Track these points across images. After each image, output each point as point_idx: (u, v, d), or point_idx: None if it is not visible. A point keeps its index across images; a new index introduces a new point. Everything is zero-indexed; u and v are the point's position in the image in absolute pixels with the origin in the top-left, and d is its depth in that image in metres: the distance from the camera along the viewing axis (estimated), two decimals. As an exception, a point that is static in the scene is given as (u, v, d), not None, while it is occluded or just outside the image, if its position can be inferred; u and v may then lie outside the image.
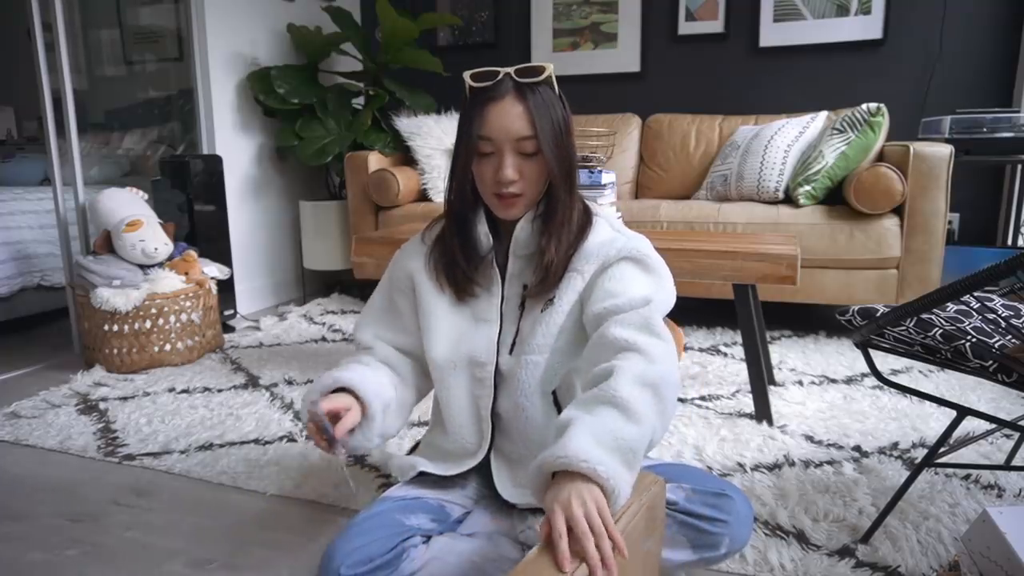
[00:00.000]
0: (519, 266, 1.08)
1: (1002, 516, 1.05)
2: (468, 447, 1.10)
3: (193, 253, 2.43)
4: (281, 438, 1.70)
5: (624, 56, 3.39)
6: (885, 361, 2.21)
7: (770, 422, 1.74)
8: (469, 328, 1.08)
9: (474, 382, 1.08)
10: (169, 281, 2.27)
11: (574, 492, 0.76)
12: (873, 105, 2.46)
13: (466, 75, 1.01)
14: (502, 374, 1.07)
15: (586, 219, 1.08)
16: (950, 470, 1.47)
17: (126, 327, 2.20)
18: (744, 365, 2.17)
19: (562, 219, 1.04)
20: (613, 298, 0.99)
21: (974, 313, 1.24)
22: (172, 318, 2.27)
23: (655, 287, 1.02)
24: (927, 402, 1.86)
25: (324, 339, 2.59)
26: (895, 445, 1.61)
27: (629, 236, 1.07)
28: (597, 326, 0.98)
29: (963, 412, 1.17)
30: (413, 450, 1.22)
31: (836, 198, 2.54)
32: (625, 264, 1.03)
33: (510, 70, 0.99)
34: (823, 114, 2.77)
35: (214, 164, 2.71)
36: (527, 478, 0.84)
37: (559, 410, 1.09)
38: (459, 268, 1.07)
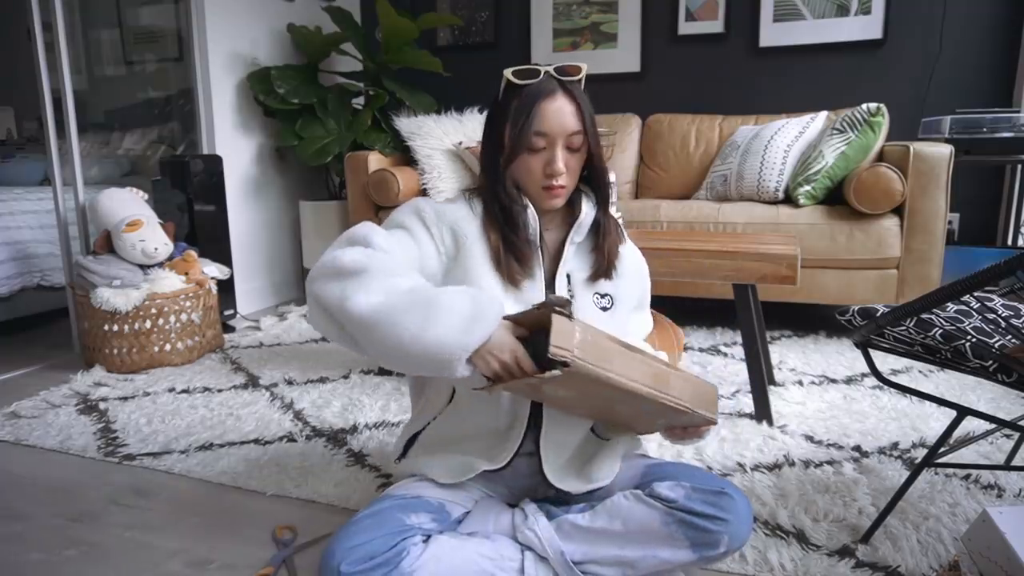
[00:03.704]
0: (571, 252, 1.12)
1: (1002, 516, 1.05)
2: (496, 428, 1.07)
3: (193, 253, 2.43)
4: (281, 438, 1.70)
5: (624, 56, 3.39)
6: (885, 361, 2.21)
7: (770, 422, 1.74)
8: (516, 309, 1.06)
9: None
10: (169, 281, 2.27)
11: None
12: (873, 105, 2.46)
13: (508, 72, 1.05)
14: None
15: (613, 218, 1.18)
16: (950, 470, 1.47)
17: (126, 327, 2.20)
18: (744, 365, 2.16)
19: (607, 207, 1.14)
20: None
21: (974, 313, 1.24)
22: (172, 318, 2.27)
23: None
24: (927, 402, 1.86)
25: (324, 339, 2.59)
26: (895, 445, 1.61)
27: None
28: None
29: (963, 412, 1.17)
30: (410, 443, 1.18)
31: (836, 198, 2.54)
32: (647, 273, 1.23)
33: (549, 68, 1.04)
34: (823, 114, 2.77)
35: (214, 164, 2.71)
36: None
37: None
38: (518, 253, 1.08)
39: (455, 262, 1.08)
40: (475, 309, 0.90)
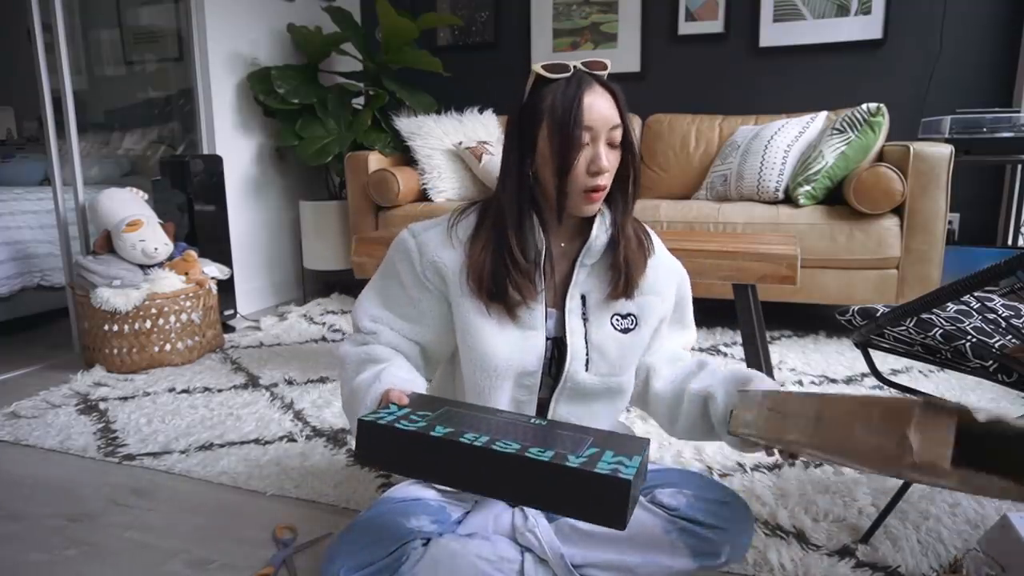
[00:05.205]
0: (583, 275, 1.05)
1: (1023, 520, 1.05)
2: None
3: (193, 253, 2.43)
4: (281, 438, 1.70)
5: (624, 56, 3.39)
6: (885, 361, 2.21)
7: (770, 422, 1.74)
8: (518, 339, 1.02)
9: (520, 388, 1.05)
10: (169, 281, 2.27)
11: None
12: (873, 105, 2.46)
13: (538, 67, 0.98)
14: (581, 391, 1.05)
15: (642, 228, 1.11)
16: (950, 470, 1.47)
17: (126, 327, 2.20)
18: (744, 365, 2.16)
19: (629, 215, 1.06)
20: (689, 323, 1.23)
21: (974, 313, 1.24)
22: (172, 318, 2.27)
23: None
24: (927, 402, 1.85)
25: (324, 339, 2.59)
26: (895, 445, 1.61)
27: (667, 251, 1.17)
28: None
29: (963, 412, 1.16)
30: None
31: (836, 198, 2.54)
32: (685, 286, 1.20)
33: (578, 64, 0.99)
34: (823, 114, 2.76)
35: (214, 164, 2.71)
36: (722, 413, 0.99)
37: None
38: (516, 280, 1.00)
39: (450, 293, 1.05)
40: (352, 412, 1.01)
